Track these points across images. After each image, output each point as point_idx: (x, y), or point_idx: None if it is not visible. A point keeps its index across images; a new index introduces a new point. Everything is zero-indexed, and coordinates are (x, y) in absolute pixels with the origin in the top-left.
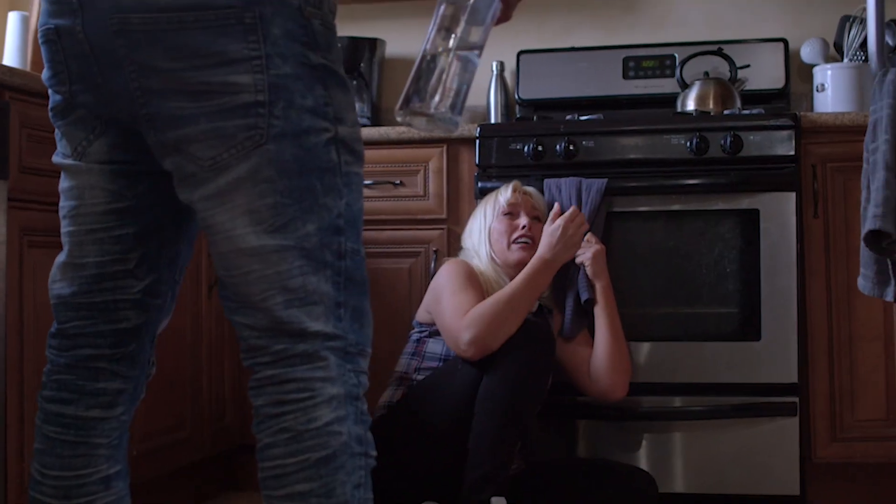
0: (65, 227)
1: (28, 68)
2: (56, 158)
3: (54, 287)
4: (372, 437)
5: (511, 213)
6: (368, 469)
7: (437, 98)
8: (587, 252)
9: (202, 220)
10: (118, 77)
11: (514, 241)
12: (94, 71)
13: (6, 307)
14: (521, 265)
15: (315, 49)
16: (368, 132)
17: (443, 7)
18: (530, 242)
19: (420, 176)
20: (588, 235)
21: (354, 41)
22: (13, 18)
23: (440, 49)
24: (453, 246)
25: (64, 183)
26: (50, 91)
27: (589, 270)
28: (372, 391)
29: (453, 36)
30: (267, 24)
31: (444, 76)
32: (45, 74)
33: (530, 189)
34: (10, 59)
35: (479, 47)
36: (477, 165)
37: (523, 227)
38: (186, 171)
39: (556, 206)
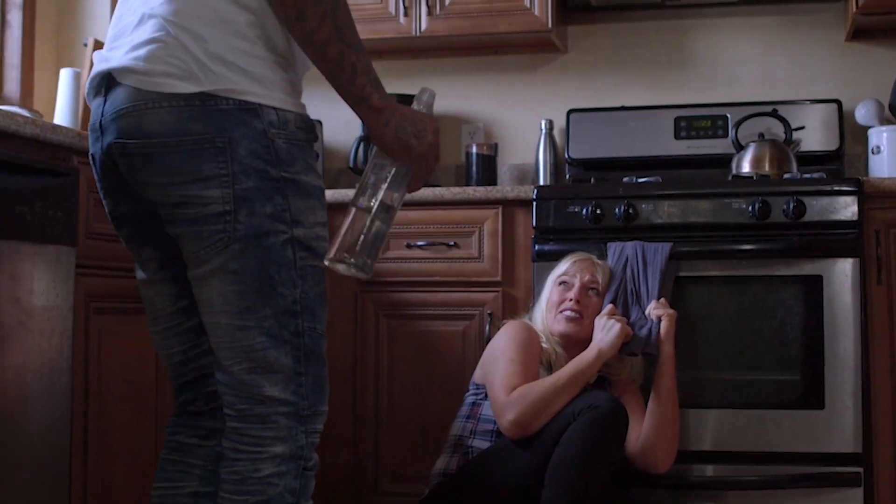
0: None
1: (79, 127)
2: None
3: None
4: (311, 486)
5: (565, 282)
6: None
7: (358, 250)
8: (663, 311)
9: (195, 294)
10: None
11: (560, 311)
12: (121, 183)
13: (72, 371)
14: (564, 337)
15: (276, 164)
16: (423, 193)
17: (369, 174)
18: (577, 316)
19: (475, 238)
20: (660, 301)
21: (402, 98)
22: (65, 76)
23: (364, 208)
24: (508, 309)
25: (140, 289)
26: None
27: (663, 327)
28: (428, 455)
29: (375, 198)
30: (235, 145)
31: (367, 232)
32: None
33: (598, 262)
34: (62, 117)
35: (395, 208)
36: (534, 228)
37: (571, 298)
38: (184, 256)
39: (611, 305)
